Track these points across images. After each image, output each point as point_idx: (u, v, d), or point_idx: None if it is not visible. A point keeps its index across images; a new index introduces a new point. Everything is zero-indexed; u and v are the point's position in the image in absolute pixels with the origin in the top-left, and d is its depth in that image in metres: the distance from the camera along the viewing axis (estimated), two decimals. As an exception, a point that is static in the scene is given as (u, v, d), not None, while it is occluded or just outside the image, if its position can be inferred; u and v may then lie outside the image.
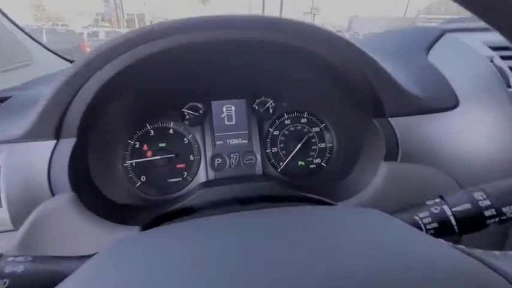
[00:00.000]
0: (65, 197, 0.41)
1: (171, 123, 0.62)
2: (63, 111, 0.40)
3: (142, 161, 0.60)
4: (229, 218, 0.28)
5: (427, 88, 0.48)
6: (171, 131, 0.63)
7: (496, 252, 0.22)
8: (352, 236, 0.22)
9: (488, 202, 0.30)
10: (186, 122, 0.63)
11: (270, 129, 0.66)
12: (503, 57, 0.45)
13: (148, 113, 0.61)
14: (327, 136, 0.67)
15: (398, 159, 0.49)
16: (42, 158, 0.41)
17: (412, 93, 0.46)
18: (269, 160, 0.65)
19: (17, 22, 0.67)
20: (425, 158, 0.48)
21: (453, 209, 0.31)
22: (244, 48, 0.47)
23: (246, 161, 0.63)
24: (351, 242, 0.21)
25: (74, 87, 0.40)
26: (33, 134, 0.41)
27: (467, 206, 0.30)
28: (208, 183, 0.59)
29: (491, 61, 0.45)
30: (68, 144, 0.42)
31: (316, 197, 0.52)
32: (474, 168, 0.45)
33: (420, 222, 0.32)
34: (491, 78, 0.47)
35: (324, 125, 0.67)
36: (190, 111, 0.63)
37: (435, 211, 0.32)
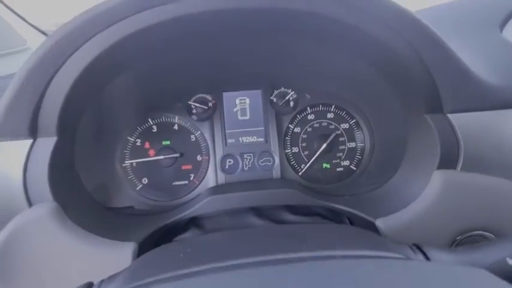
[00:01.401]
0: (45, 207, 0.33)
1: (176, 117, 0.54)
2: (36, 103, 0.33)
3: (143, 161, 0.52)
4: (267, 273, 0.20)
5: (503, 75, 0.36)
6: (176, 127, 0.54)
7: None
8: None
9: None
10: (194, 117, 0.55)
11: (290, 125, 0.56)
12: None
13: (149, 106, 0.53)
14: (357, 134, 0.57)
15: (459, 167, 0.38)
16: (16, 160, 0.34)
17: (484, 81, 0.35)
18: (289, 162, 0.56)
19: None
20: (497, 166, 0.37)
21: None
22: (264, 23, 0.37)
23: (261, 162, 0.54)
24: None
25: (47, 71, 0.32)
26: (2, 132, 0.33)
27: None
28: (217, 189, 0.50)
29: None
30: (46, 144, 0.35)
31: (349, 209, 0.42)
32: None
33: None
34: None
35: (354, 121, 0.57)
36: (198, 104, 0.54)
37: None
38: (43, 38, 0.70)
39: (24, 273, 0.32)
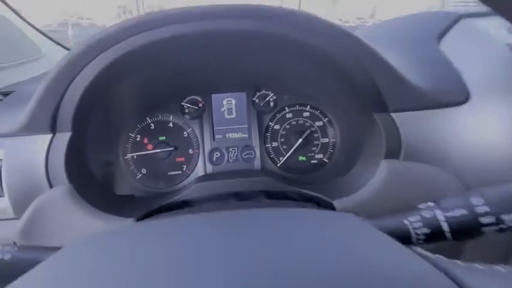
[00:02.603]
0: (62, 189, 0.42)
1: (171, 116, 0.63)
2: (56, 105, 0.41)
3: (143, 154, 0.61)
4: (208, 218, 0.28)
5: (435, 80, 0.44)
6: (170, 125, 0.63)
7: (478, 266, 0.20)
8: (314, 240, 0.21)
9: (486, 208, 0.27)
10: (187, 116, 0.63)
11: (270, 123, 0.64)
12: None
13: (148, 107, 0.61)
14: (330, 131, 0.65)
15: (401, 158, 0.46)
16: (39, 151, 0.43)
17: (417, 86, 0.43)
18: (268, 155, 0.64)
19: (41, 17, 0.69)
20: (430, 156, 0.44)
21: (446, 214, 0.28)
22: (241, 39, 0.45)
23: (244, 155, 0.63)
24: (309, 245, 0.20)
25: (65, 80, 0.40)
26: (29, 128, 0.42)
27: (463, 211, 0.28)
28: (205, 177, 0.59)
29: None
30: (63, 138, 0.43)
31: (314, 194, 0.50)
32: (483, 169, 0.41)
33: (410, 227, 0.29)
34: (510, 69, 0.42)
35: (327, 119, 0.65)
36: (189, 105, 0.63)
37: (427, 216, 0.29)
38: (54, 45, 0.79)
39: (46, 237, 0.41)
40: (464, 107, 0.42)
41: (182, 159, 0.63)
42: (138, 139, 0.61)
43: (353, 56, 0.41)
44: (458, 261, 0.20)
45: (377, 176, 0.45)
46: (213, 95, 0.64)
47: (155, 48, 0.44)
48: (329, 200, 0.47)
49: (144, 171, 0.61)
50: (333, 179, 0.56)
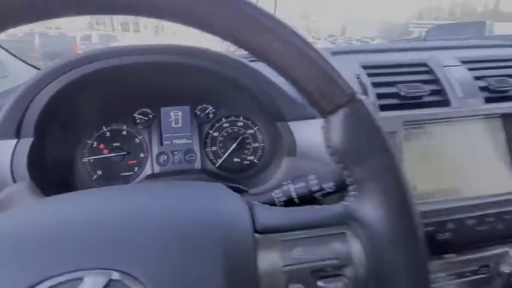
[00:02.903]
0: (24, 184, 0.53)
1: (124, 126, 0.74)
2: (21, 115, 0.52)
3: (98, 158, 0.72)
4: (103, 191, 0.37)
5: None
6: (124, 133, 0.74)
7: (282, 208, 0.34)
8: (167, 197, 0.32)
9: (316, 181, 0.42)
10: (139, 126, 0.75)
11: (210, 131, 0.78)
12: (369, 75, 0.58)
13: (104, 117, 0.73)
14: (259, 137, 0.80)
15: (297, 156, 0.61)
16: (6, 153, 0.53)
17: (301, 101, 0.59)
18: (208, 157, 0.77)
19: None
20: (316, 155, 0.60)
21: (295, 187, 0.43)
22: (174, 69, 0.60)
23: (187, 157, 0.76)
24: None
25: (31, 95, 0.52)
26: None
27: (302, 184, 0.43)
28: (153, 176, 0.71)
29: (358, 78, 0.58)
30: (26, 143, 0.54)
31: (235, 185, 0.64)
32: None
33: (274, 197, 0.44)
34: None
35: (257, 127, 0.80)
36: (141, 116, 0.75)
37: (285, 189, 0.44)
38: (22, 64, 0.89)
39: None
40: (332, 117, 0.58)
41: (134, 161, 0.74)
42: (94, 145, 0.72)
43: (252, 81, 0.57)
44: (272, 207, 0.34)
45: (281, 170, 0.61)
46: (162, 108, 0.76)
47: (106, 73, 0.56)
48: (245, 188, 0.61)
49: (99, 172, 0.72)
50: (257, 175, 0.71)
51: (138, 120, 0.75)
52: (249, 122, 0.80)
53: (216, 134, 0.79)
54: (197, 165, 0.75)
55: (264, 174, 0.67)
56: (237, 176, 0.77)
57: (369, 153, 0.28)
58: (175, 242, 0.25)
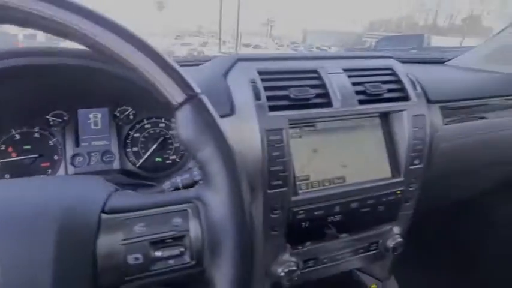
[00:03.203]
0: None
1: (37, 128, 0.73)
2: None
3: (5, 161, 0.70)
4: None
5: (217, 98, 0.66)
6: (37, 135, 0.73)
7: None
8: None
9: (196, 172, 0.48)
10: (53, 128, 0.74)
11: (130, 132, 0.80)
12: (263, 80, 0.65)
13: (13, 120, 0.71)
14: None
15: None
16: None
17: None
18: (128, 158, 0.79)
19: None
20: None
21: (181, 178, 0.48)
22: (86, 70, 0.61)
23: (105, 158, 0.76)
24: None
25: None
26: None
27: (187, 175, 0.48)
28: None
29: (253, 82, 0.65)
30: None
31: (149, 182, 0.67)
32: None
33: (165, 189, 0.48)
34: (250, 95, 0.65)
35: None
36: (54, 118, 0.74)
37: (173, 181, 0.49)
38: None
39: None
40: (231, 118, 0.64)
41: (47, 164, 0.73)
42: (2, 148, 0.70)
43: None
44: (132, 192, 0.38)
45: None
46: (79, 110, 0.76)
47: (16, 72, 0.56)
48: (153, 184, 0.64)
49: (7, 176, 0.70)
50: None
51: (51, 122, 0.74)
52: (171, 123, 0.83)
53: (137, 134, 0.81)
54: (116, 165, 0.77)
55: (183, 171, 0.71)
56: (158, 175, 0.80)
57: (206, 142, 0.33)
58: (12, 227, 0.27)
